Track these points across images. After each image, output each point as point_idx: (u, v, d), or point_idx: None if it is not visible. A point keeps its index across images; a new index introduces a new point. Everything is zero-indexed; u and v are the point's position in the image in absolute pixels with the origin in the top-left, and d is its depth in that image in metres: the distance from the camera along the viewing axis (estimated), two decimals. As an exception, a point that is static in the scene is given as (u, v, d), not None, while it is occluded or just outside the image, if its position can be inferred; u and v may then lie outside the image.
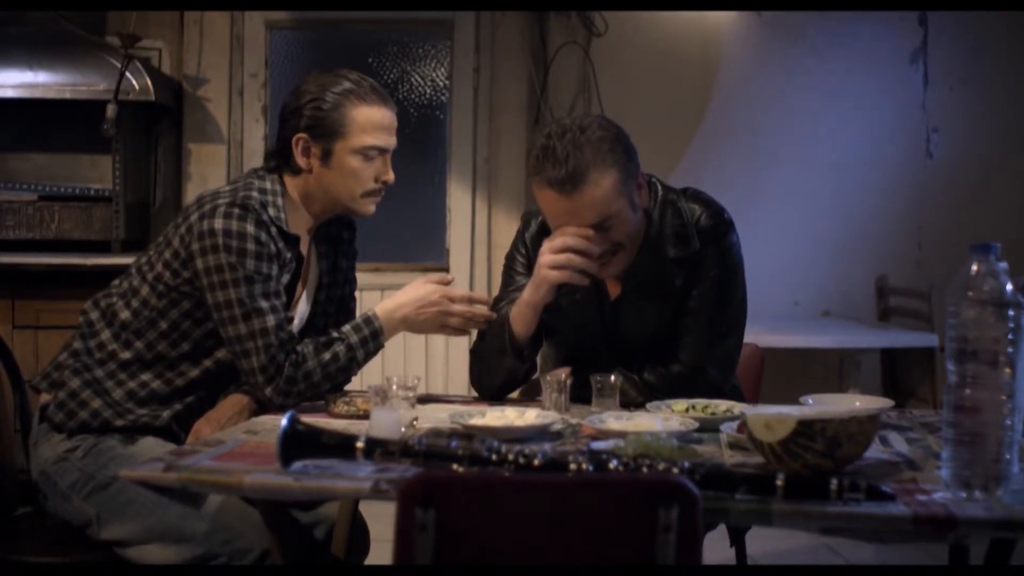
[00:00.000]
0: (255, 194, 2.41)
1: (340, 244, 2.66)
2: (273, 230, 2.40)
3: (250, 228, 2.35)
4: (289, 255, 2.44)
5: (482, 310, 2.51)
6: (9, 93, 4.62)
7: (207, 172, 5.08)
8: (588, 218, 2.38)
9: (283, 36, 5.22)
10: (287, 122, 2.47)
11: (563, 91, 5.32)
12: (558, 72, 5.30)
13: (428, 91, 5.26)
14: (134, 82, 4.56)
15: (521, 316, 2.49)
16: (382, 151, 2.48)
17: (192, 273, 2.37)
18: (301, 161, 2.45)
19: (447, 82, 5.24)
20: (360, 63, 5.23)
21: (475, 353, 2.59)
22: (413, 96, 5.23)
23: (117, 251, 4.64)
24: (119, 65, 4.55)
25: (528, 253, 2.64)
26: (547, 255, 2.42)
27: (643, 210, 2.49)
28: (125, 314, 2.44)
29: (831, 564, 4.00)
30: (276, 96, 5.18)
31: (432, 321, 2.49)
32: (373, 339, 2.43)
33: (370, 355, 2.44)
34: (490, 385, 2.56)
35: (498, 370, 2.53)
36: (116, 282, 2.53)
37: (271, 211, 2.41)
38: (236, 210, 2.36)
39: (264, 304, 2.34)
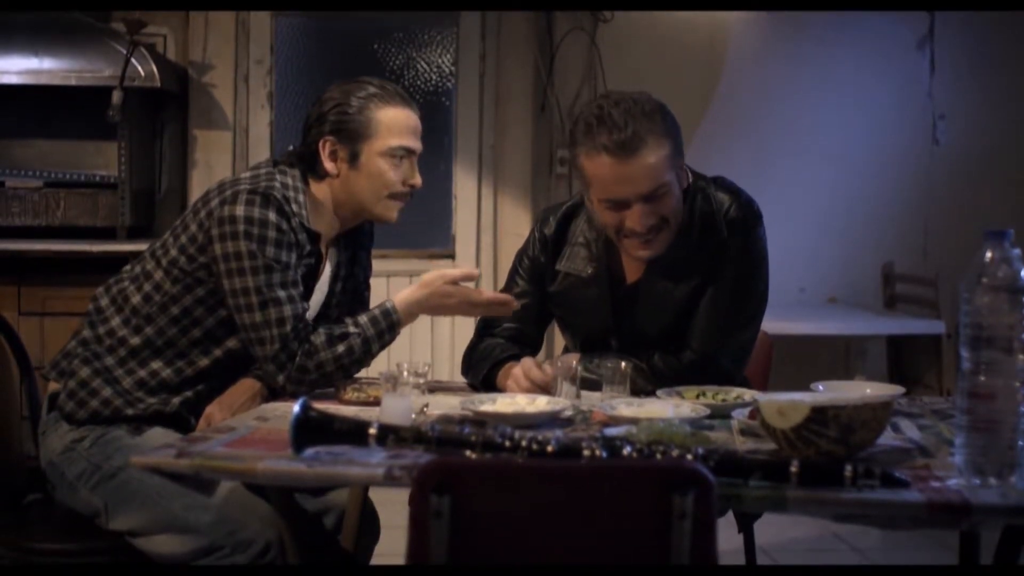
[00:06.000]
0: (277, 185, 2.40)
1: (361, 236, 2.65)
2: (295, 221, 2.39)
3: (272, 216, 2.35)
4: (308, 248, 2.43)
5: (504, 303, 2.48)
6: (14, 79, 4.60)
7: (213, 159, 5.07)
8: (643, 186, 2.35)
9: (288, 22, 5.20)
10: (312, 129, 2.46)
11: (569, 78, 5.31)
12: (564, 59, 5.29)
13: (434, 78, 5.24)
14: (139, 68, 4.55)
15: (503, 382, 2.48)
16: (409, 152, 2.47)
17: (209, 259, 2.36)
18: (328, 165, 2.45)
19: (453, 69, 5.22)
20: (366, 49, 5.22)
21: (467, 354, 2.63)
22: (419, 83, 5.22)
23: (123, 238, 4.64)
24: (124, 51, 4.54)
25: (543, 252, 2.63)
26: (520, 380, 2.40)
27: (682, 191, 2.48)
28: (136, 298, 2.44)
29: (837, 550, 4.01)
30: (282, 83, 5.17)
31: (455, 311, 2.49)
32: (390, 331, 2.42)
33: (384, 346, 2.43)
34: (476, 382, 2.57)
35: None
36: (128, 267, 2.53)
37: (293, 206, 2.40)
38: (258, 197, 2.35)
39: (282, 293, 2.34)
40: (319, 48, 5.26)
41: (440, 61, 5.25)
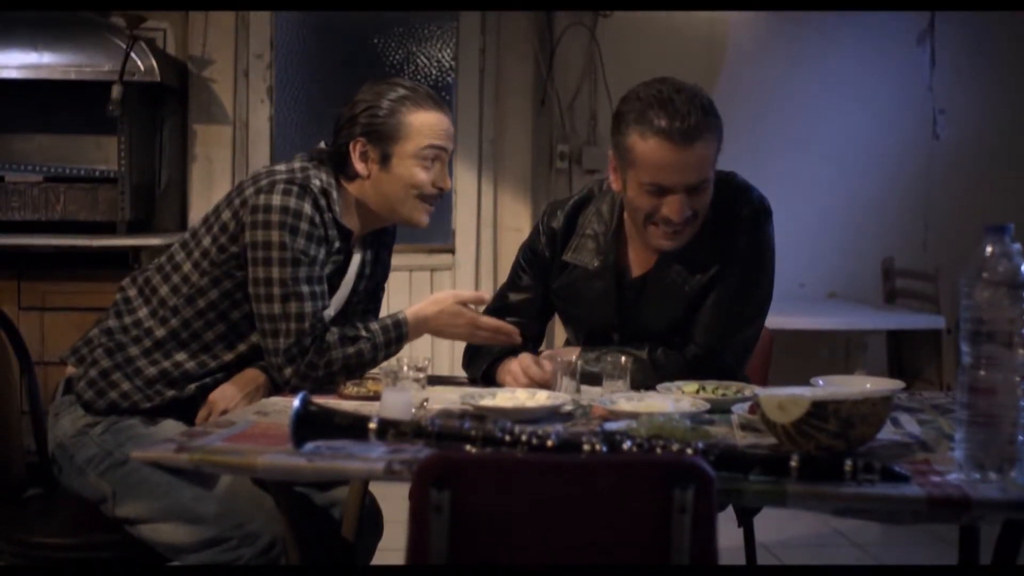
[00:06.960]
0: (315, 179, 2.40)
1: (384, 235, 2.65)
2: (328, 216, 2.40)
3: (307, 208, 2.35)
4: (339, 245, 2.44)
5: (508, 334, 2.49)
6: (14, 74, 4.60)
7: (212, 153, 5.07)
8: (692, 176, 2.35)
9: (288, 17, 5.20)
10: (343, 130, 2.46)
11: (569, 73, 5.31)
12: (564, 54, 5.28)
13: (434, 72, 5.24)
14: (139, 63, 4.55)
15: (502, 378, 2.49)
16: (439, 151, 2.47)
17: (241, 247, 2.36)
18: (359, 166, 2.45)
19: (453, 63, 5.22)
20: (366, 44, 5.22)
21: (468, 348, 2.63)
22: (419, 77, 5.21)
23: (123, 232, 4.63)
24: (124, 46, 4.54)
25: (549, 246, 2.61)
26: (519, 377, 2.42)
27: None
28: (164, 289, 2.44)
29: (837, 545, 4.01)
30: (282, 77, 5.17)
31: (459, 335, 2.50)
32: (397, 342, 2.44)
33: (389, 356, 2.44)
34: (476, 376, 2.58)
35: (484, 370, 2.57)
36: (157, 258, 2.53)
37: (328, 201, 2.41)
38: (295, 188, 2.36)
39: (305, 289, 2.34)
40: (319, 43, 5.26)
41: (440, 56, 5.24)
